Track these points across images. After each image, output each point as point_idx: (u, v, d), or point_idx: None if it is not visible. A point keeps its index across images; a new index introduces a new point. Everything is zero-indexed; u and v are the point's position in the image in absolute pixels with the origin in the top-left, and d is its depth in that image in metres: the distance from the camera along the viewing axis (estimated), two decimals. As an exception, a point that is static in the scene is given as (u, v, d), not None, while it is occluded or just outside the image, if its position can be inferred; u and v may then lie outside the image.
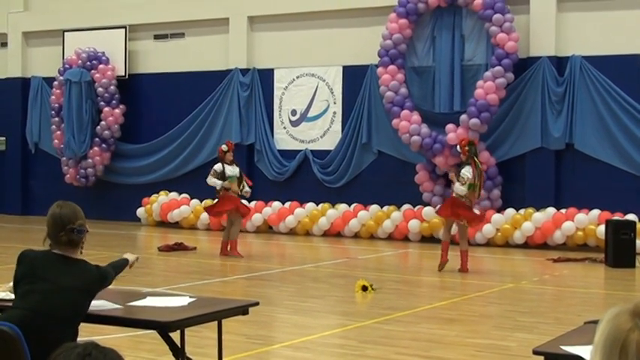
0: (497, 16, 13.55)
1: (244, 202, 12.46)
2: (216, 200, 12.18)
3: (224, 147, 12.06)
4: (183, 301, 4.43)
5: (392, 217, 14.45)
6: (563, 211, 13.17)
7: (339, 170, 15.50)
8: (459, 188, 10.16)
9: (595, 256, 11.88)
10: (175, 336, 4.10)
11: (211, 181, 11.85)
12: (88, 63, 17.37)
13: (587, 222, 12.90)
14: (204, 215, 15.84)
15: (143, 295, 4.54)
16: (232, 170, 11.89)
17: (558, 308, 8.35)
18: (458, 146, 10.70)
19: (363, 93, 15.23)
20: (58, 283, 3.81)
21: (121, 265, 4.29)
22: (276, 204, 15.51)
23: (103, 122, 17.25)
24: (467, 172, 10.12)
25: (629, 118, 13.22)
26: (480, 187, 10.38)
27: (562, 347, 3.31)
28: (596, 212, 12.91)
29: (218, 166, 11.88)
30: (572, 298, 8.97)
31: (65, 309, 3.78)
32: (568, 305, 8.51)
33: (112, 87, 17.29)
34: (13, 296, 4.01)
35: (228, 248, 12.01)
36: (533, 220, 13.29)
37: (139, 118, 17.52)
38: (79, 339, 3.79)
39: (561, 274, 10.68)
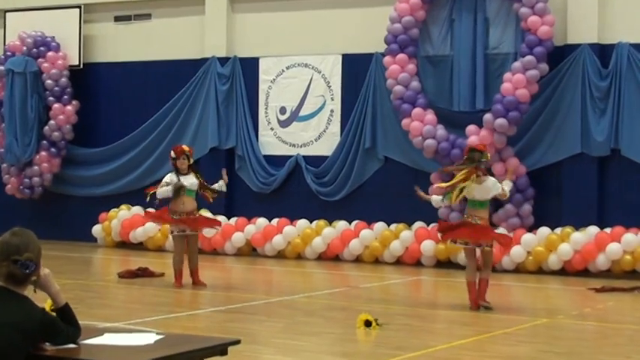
0: (528, -5, 13.64)
1: (207, 214, 12.36)
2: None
3: (172, 153, 12.00)
4: (148, 338, 4.43)
5: (401, 237, 14.47)
6: (607, 230, 13.20)
7: (337, 180, 15.53)
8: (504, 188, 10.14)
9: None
10: (139, 381, 4.09)
11: (160, 190, 11.72)
12: (35, 50, 17.38)
13: (637, 244, 12.93)
14: (174, 234, 15.85)
15: (100, 332, 4.53)
16: (189, 181, 11.78)
17: (602, 348, 8.35)
18: (478, 153, 10.19)
19: (367, 87, 15.28)
20: (-3, 319, 3.83)
21: (65, 314, 4.22)
22: (262, 221, 15.51)
23: (52, 121, 17.25)
24: (489, 183, 10.02)
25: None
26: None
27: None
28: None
29: (170, 177, 11.79)
30: (619, 337, 8.96)
31: (1, 349, 3.79)
32: (614, 345, 8.51)
33: (63, 79, 17.29)
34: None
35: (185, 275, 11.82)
36: (572, 242, 13.31)
37: (96, 116, 17.53)
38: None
39: (605, 306, 10.68)
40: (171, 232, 12.08)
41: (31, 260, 3.97)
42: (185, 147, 12.25)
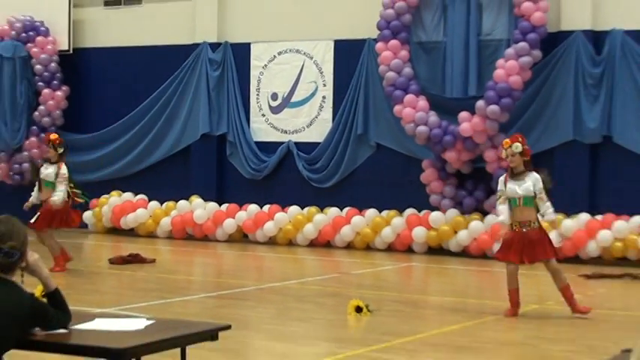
0: (521, -19, 13.64)
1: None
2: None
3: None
4: (139, 323, 4.45)
5: (392, 223, 14.51)
6: (598, 217, 13.26)
7: (329, 167, 15.55)
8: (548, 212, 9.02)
9: (636, 271, 11.96)
10: (130, 366, 4.13)
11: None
12: (24, 34, 17.35)
13: (628, 231, 12.98)
14: (166, 220, 15.88)
15: (91, 317, 4.56)
16: (46, 172, 11.54)
17: (592, 334, 8.40)
18: (518, 145, 9.02)
19: (359, 73, 15.28)
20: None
21: (56, 300, 4.24)
22: (253, 207, 15.53)
23: (41, 107, 17.24)
24: (532, 180, 8.92)
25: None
26: None
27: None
28: (638, 219, 13.00)
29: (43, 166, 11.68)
30: (609, 322, 9.01)
31: None
32: (604, 330, 8.56)
33: (52, 64, 17.27)
34: None
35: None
36: (563, 229, 13.35)
37: (86, 102, 17.50)
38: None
39: (596, 292, 10.73)
40: None
41: (14, 248, 3.99)
42: (52, 135, 12.06)
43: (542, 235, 9.00)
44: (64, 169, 11.55)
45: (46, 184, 11.57)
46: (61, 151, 11.68)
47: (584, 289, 11.04)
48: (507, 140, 9.14)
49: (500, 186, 9.19)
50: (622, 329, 8.59)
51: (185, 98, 16.60)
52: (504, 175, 9.18)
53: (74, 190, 11.74)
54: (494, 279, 12.39)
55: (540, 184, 8.93)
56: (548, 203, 9.01)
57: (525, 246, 8.87)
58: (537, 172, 9.02)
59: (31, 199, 11.78)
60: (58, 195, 11.47)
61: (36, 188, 11.74)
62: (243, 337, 7.79)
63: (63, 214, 11.62)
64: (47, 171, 11.59)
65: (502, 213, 9.09)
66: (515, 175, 8.96)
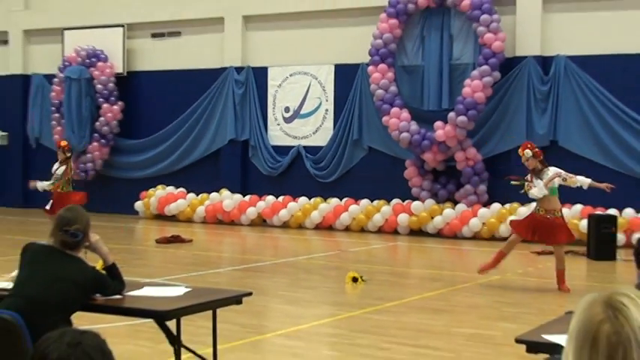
0: (484, 16, 13.58)
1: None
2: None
3: None
4: (179, 291, 4.45)
5: (382, 211, 14.48)
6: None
7: (330, 166, 15.52)
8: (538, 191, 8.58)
9: (577, 249, 11.92)
10: (172, 325, 4.12)
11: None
12: (88, 60, 17.33)
13: (570, 216, 12.89)
14: (201, 208, 15.88)
15: (141, 286, 4.56)
16: (58, 172, 11.55)
17: (541, 299, 8.40)
18: (528, 151, 8.65)
19: (355, 91, 15.24)
20: (54, 274, 3.88)
21: (112, 272, 4.24)
22: (270, 198, 15.51)
23: (102, 118, 17.22)
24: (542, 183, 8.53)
25: (611, 116, 13.28)
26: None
27: (543, 336, 3.35)
28: (578, 207, 12.95)
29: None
30: (555, 290, 8.98)
31: (58, 298, 3.83)
32: (551, 296, 8.55)
33: (110, 84, 17.25)
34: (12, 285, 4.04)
35: None
36: (518, 215, 13.32)
37: (137, 114, 17.49)
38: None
39: (544, 266, 10.71)
40: None
41: (79, 230, 4.00)
42: (62, 142, 12.07)
43: (561, 223, 8.65)
44: (61, 169, 11.52)
45: (55, 179, 11.58)
46: (68, 155, 11.71)
47: (535, 263, 11.04)
48: (520, 150, 8.77)
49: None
50: (566, 296, 8.58)
51: (215, 111, 16.58)
52: (529, 175, 8.71)
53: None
54: (464, 255, 12.40)
55: (561, 173, 8.53)
56: (578, 177, 8.64)
57: (542, 228, 8.54)
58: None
59: (39, 183, 11.75)
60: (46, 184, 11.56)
61: (50, 183, 11.68)
62: (262, 302, 7.78)
63: (66, 200, 11.62)
64: (56, 168, 11.62)
65: (540, 187, 8.52)
66: (536, 173, 8.63)
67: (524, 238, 8.79)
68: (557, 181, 8.65)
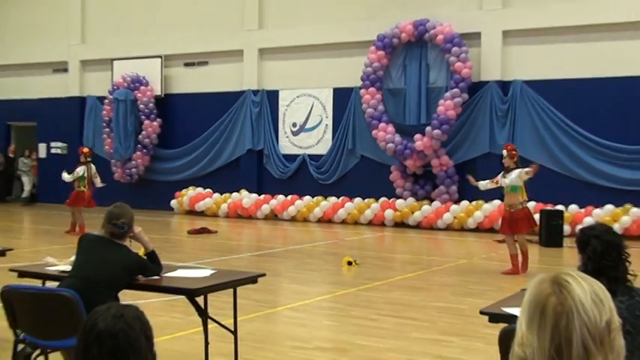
0: (455, 48, 13.59)
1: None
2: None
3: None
4: (206, 272, 4.46)
5: (371, 207, 14.47)
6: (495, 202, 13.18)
7: (330, 170, 15.51)
8: (505, 181, 8.49)
9: (531, 238, 11.90)
10: (200, 300, 4.12)
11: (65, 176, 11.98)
12: (132, 85, 17.35)
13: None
14: (224, 205, 15.88)
15: (175, 268, 4.56)
16: (79, 171, 11.85)
17: (501, 279, 8.37)
18: (505, 151, 8.63)
19: (349, 109, 15.24)
20: (104, 259, 3.88)
21: (152, 257, 4.23)
22: (281, 197, 15.51)
23: (144, 132, 17.24)
24: (514, 175, 8.44)
25: (558, 129, 13.30)
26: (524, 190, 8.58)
27: (503, 308, 3.35)
28: (532, 203, 12.89)
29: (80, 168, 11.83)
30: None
31: (108, 278, 3.84)
32: (509, 277, 8.53)
33: (150, 104, 17.27)
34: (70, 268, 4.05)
35: (77, 229, 11.91)
36: (483, 210, 13.33)
37: (173, 129, 17.50)
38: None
39: (505, 252, 10.67)
40: None
41: (125, 223, 4.00)
42: (85, 149, 12.26)
43: (524, 214, 8.48)
44: (81, 169, 11.79)
45: (79, 179, 11.78)
46: (88, 159, 11.89)
47: (496, 249, 11.02)
48: (503, 148, 8.72)
49: (497, 177, 8.71)
50: (522, 276, 8.56)
51: (236, 126, 16.57)
52: (500, 174, 8.70)
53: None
54: (439, 243, 12.38)
55: (521, 173, 8.39)
56: (523, 170, 8.44)
57: (511, 221, 8.45)
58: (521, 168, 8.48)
59: (64, 174, 12.04)
60: (98, 181, 11.92)
61: (71, 176, 11.97)
62: (274, 281, 7.78)
63: (83, 200, 11.73)
64: (78, 170, 11.86)
65: (484, 184, 8.83)
66: (507, 171, 8.58)
67: (507, 233, 8.63)
68: (516, 179, 8.51)
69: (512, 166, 8.58)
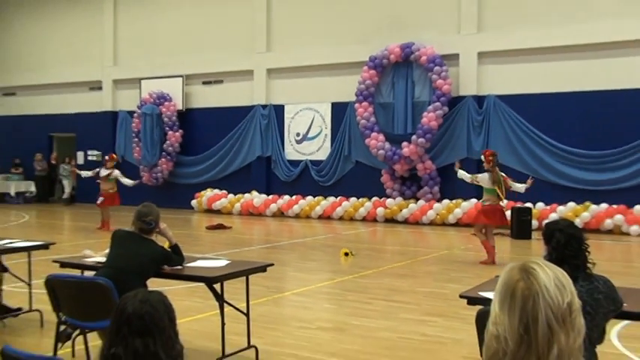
0: (436, 67, 13.59)
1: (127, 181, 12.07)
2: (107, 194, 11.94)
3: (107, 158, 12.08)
4: (222, 263, 4.46)
5: (365, 205, 14.46)
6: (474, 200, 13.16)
7: (329, 174, 15.51)
8: (463, 175, 8.52)
9: (504, 231, 11.92)
10: (217, 286, 4.12)
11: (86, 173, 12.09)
12: (157, 101, 17.36)
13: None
14: (237, 205, 15.87)
15: (195, 259, 4.56)
16: (103, 172, 11.87)
17: (478, 267, 8.37)
18: (483, 156, 8.56)
19: (345, 121, 15.23)
20: (134, 251, 3.89)
21: (176, 249, 4.23)
22: (286, 197, 15.50)
23: (168, 141, 17.24)
24: (484, 177, 8.38)
25: (527, 137, 13.30)
26: (503, 191, 8.41)
27: (479, 293, 3.35)
28: (505, 202, 12.89)
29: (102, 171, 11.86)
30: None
31: (137, 268, 3.84)
32: (485, 265, 8.53)
33: (174, 117, 17.27)
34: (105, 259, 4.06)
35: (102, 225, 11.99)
36: (462, 208, 13.32)
37: (193, 139, 17.50)
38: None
39: (481, 244, 10.69)
40: None
41: (152, 220, 4.01)
42: (113, 155, 12.28)
43: (497, 209, 8.41)
44: (104, 172, 11.86)
45: (111, 181, 11.81)
46: (114, 163, 11.97)
47: (474, 242, 10.99)
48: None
49: (476, 175, 8.68)
50: (497, 265, 8.55)
51: (247, 136, 16.57)
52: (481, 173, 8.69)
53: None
54: (423, 236, 12.36)
55: (491, 176, 8.27)
56: (518, 185, 8.48)
57: (484, 212, 8.42)
58: (493, 172, 8.33)
59: (83, 173, 12.24)
60: (126, 181, 11.91)
61: (90, 174, 12.05)
62: (281, 270, 7.78)
63: (111, 199, 11.80)
64: (103, 172, 11.87)
65: (461, 174, 8.73)
66: (484, 171, 8.59)
67: (478, 223, 8.59)
68: (485, 181, 8.48)
69: (486, 169, 8.58)
